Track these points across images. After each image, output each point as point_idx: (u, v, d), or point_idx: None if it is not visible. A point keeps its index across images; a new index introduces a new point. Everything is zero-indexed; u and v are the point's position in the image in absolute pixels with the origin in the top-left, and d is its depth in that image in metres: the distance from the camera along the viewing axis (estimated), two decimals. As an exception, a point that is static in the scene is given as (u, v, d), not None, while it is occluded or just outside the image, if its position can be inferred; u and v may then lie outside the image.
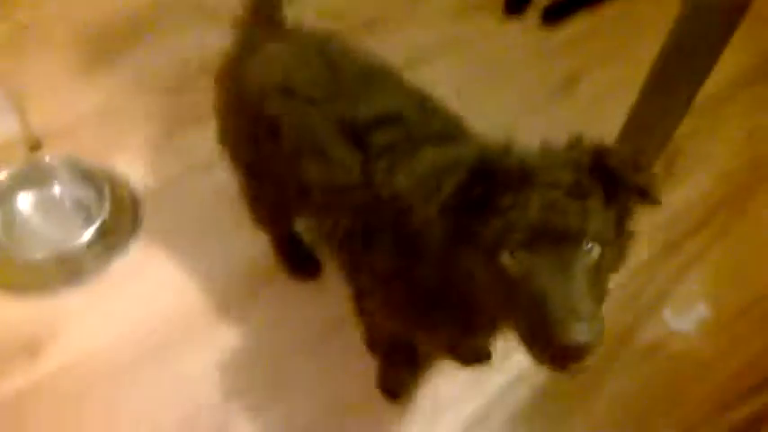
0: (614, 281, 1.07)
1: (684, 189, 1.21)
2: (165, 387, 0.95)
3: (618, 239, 0.62)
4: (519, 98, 1.34)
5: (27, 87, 1.20)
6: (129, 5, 1.45)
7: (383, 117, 0.76)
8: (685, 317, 1.04)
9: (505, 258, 0.58)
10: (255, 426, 0.92)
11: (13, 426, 0.92)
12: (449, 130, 0.78)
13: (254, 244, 1.06)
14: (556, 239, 0.57)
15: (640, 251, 1.12)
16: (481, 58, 1.42)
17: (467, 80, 1.36)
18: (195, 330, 1.00)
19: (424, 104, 0.80)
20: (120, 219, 1.10)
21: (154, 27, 1.41)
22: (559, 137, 0.64)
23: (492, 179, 0.59)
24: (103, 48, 1.37)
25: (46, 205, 1.12)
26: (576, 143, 0.63)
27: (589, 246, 0.57)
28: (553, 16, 1.50)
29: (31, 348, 0.98)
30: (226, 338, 1.00)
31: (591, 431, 0.94)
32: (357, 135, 0.75)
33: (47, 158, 1.13)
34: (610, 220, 0.60)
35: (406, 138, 0.74)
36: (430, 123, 0.77)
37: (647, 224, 1.10)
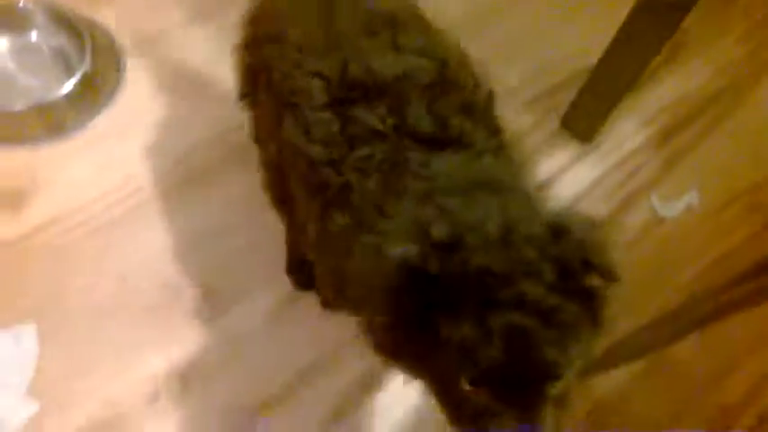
0: (604, 166, 1.10)
1: (682, 79, 1.20)
2: (151, 245, 0.94)
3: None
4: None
5: None
6: None
7: (373, 86, 0.60)
8: (673, 204, 1.05)
9: (464, 384, 0.47)
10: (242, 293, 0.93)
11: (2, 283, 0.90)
12: (460, 139, 0.59)
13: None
14: (524, 380, 0.47)
15: (633, 138, 1.12)
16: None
17: None
18: (181, 191, 0.98)
19: (445, 74, 0.62)
20: (104, 72, 1.04)
21: None
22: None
23: (432, 293, 0.47)
24: None
25: (22, 52, 1.05)
26: (560, 232, 0.49)
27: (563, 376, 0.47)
28: None
29: (13, 201, 0.94)
30: (211, 199, 0.98)
31: None
32: (340, 100, 0.61)
33: (21, 2, 1.05)
34: (590, 335, 0.49)
35: (392, 149, 0.58)
36: (433, 123, 0.59)
37: (635, 115, 1.12)
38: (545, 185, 1.06)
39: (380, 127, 0.58)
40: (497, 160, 0.60)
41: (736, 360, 0.93)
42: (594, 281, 0.49)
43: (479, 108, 0.62)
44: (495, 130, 0.62)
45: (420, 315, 0.47)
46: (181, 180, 0.99)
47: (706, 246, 1.01)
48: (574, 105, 1.08)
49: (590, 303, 0.48)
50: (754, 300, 0.67)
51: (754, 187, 1.08)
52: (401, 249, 0.47)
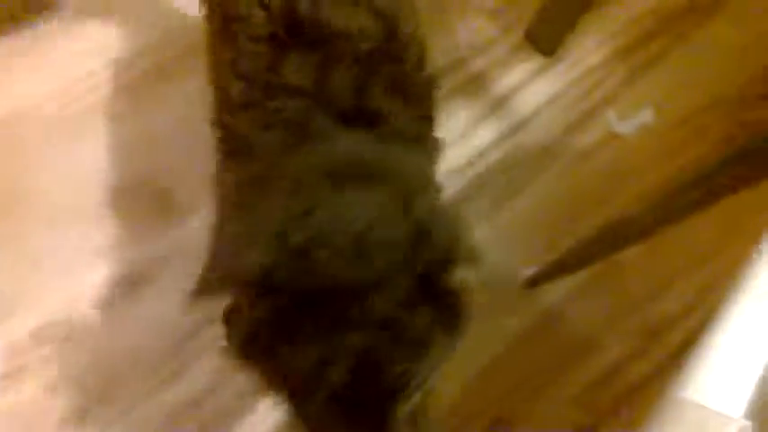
0: (564, 81, 1.10)
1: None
2: (106, 146, 0.93)
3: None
4: None
5: None
6: None
7: (315, 34, 0.55)
8: (629, 121, 1.06)
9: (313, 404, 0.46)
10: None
11: None
12: (379, 118, 0.55)
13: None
14: (371, 400, 0.45)
15: (596, 52, 1.11)
16: None
17: None
18: (137, 90, 0.96)
19: (390, 44, 0.57)
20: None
21: None
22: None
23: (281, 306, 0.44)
24: None
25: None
26: (423, 234, 0.46)
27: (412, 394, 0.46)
28: None
29: None
30: (165, 96, 0.96)
31: (516, 229, 0.98)
32: (277, 38, 0.56)
33: None
34: (446, 342, 0.48)
35: (304, 110, 0.54)
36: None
37: (600, 29, 1.11)
38: (505, 99, 1.06)
39: (302, 82, 0.54)
40: (407, 149, 0.56)
41: (678, 272, 0.97)
42: (455, 279, 0.47)
43: (414, 89, 0.58)
44: (424, 116, 0.59)
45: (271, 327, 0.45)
46: (136, 80, 0.97)
47: (656, 162, 1.03)
48: (537, 17, 1.07)
49: (448, 308, 0.47)
50: (695, 209, 0.69)
51: (712, 105, 1.09)
52: (255, 255, 0.44)
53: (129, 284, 0.86)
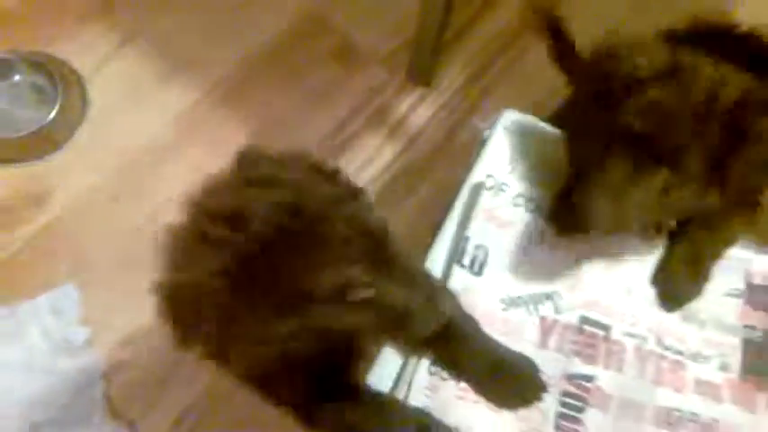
0: (438, 104, 1.52)
1: (492, 20, 1.59)
2: (144, 205, 1.36)
3: None
4: None
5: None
6: None
7: None
8: (489, 121, 1.48)
9: None
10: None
11: (42, 256, 1.33)
12: None
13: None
14: None
15: (456, 80, 1.53)
16: None
17: None
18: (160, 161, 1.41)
19: None
20: (72, 95, 1.45)
21: None
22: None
23: None
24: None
25: (11, 92, 1.45)
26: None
27: None
28: None
29: (36, 200, 1.36)
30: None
31: (418, 212, 1.41)
32: None
33: (5, 54, 1.44)
34: None
35: None
36: None
37: (460, 57, 1.51)
38: (398, 125, 1.49)
39: None
40: None
41: None
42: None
43: None
44: None
45: None
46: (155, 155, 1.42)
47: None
48: (411, 58, 1.49)
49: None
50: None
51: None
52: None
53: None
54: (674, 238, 0.81)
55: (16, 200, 1.38)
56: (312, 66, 1.53)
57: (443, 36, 1.39)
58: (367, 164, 1.45)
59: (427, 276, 0.72)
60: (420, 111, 1.50)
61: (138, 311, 1.29)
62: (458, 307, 0.74)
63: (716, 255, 0.80)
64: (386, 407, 0.72)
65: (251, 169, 0.63)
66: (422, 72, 1.50)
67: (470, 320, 0.74)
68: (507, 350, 0.74)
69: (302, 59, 1.53)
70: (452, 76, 1.53)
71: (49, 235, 1.36)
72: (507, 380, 0.73)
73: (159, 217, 1.34)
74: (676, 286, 0.80)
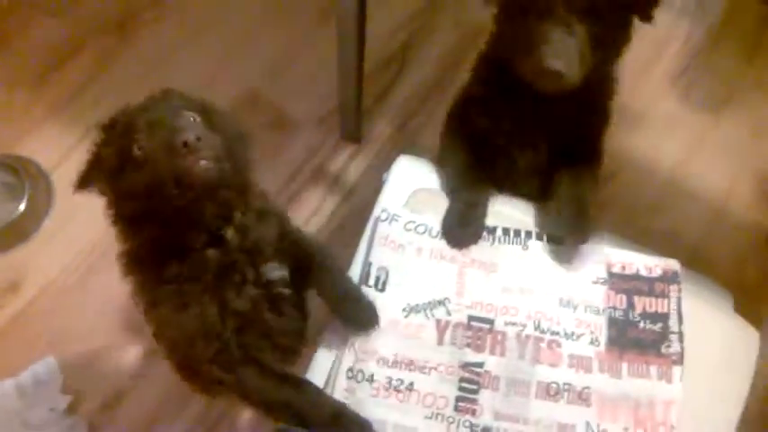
0: (368, 156, 1.71)
1: (409, 77, 1.80)
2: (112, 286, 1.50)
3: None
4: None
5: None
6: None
7: None
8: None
9: None
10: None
11: (22, 335, 1.46)
12: None
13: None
14: None
15: (384, 131, 1.72)
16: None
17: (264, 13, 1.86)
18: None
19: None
20: (38, 189, 1.60)
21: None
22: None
23: None
24: None
25: (-17, 191, 1.62)
26: None
27: None
28: None
29: (12, 288, 1.51)
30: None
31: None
32: None
33: (-28, 157, 1.61)
34: None
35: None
36: None
37: (390, 111, 1.70)
38: (336, 179, 1.67)
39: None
40: None
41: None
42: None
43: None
44: None
45: None
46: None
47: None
48: (341, 120, 1.68)
49: None
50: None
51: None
52: None
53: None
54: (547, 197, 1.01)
55: (-8, 287, 1.52)
56: (253, 137, 1.70)
57: (362, 97, 1.58)
58: (312, 216, 1.62)
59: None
60: (355, 164, 1.68)
61: (116, 376, 1.44)
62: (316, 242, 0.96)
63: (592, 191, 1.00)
64: (307, 390, 0.86)
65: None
66: (351, 131, 1.68)
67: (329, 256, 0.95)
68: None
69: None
70: (380, 130, 1.72)
71: (28, 316, 1.49)
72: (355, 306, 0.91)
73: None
74: (573, 222, 0.97)
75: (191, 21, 1.84)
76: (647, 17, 0.85)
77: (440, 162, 1.07)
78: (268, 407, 0.85)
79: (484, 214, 0.99)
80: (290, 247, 0.91)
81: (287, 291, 0.89)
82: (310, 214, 1.62)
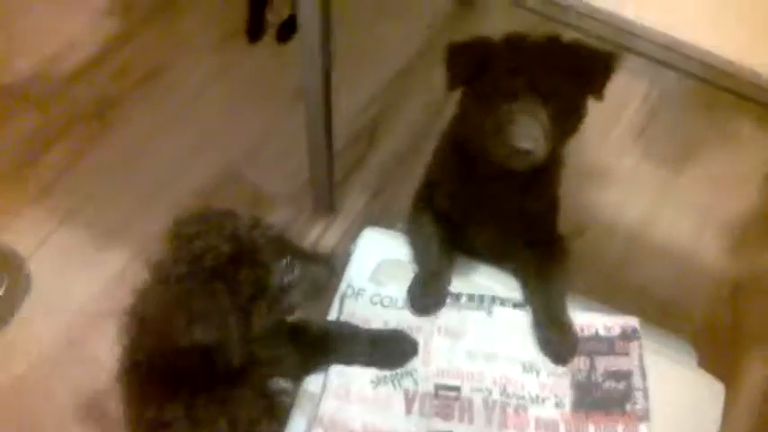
0: (342, 225, 1.74)
1: (383, 144, 1.86)
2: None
3: None
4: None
5: None
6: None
7: None
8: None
9: None
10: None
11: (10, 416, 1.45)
12: None
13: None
14: None
15: (357, 200, 1.76)
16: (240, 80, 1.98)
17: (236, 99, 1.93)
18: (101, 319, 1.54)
19: None
20: (15, 276, 1.62)
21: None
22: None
23: None
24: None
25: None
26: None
27: None
28: (285, 33, 2.03)
29: None
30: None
31: None
32: None
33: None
34: None
35: None
36: None
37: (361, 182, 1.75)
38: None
39: None
40: None
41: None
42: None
43: None
44: None
45: None
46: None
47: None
48: (312, 196, 1.73)
49: None
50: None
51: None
52: None
53: None
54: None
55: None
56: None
57: (333, 172, 1.63)
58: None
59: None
60: (329, 234, 1.72)
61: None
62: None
63: (562, 294, 1.02)
64: None
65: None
66: (324, 204, 1.73)
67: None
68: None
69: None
70: (352, 202, 1.77)
71: (12, 397, 1.48)
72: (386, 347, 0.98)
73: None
74: (557, 348, 0.99)
75: (168, 107, 1.90)
76: (600, 97, 0.90)
77: (407, 235, 1.11)
78: None
79: (447, 283, 1.03)
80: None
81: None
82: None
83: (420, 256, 1.06)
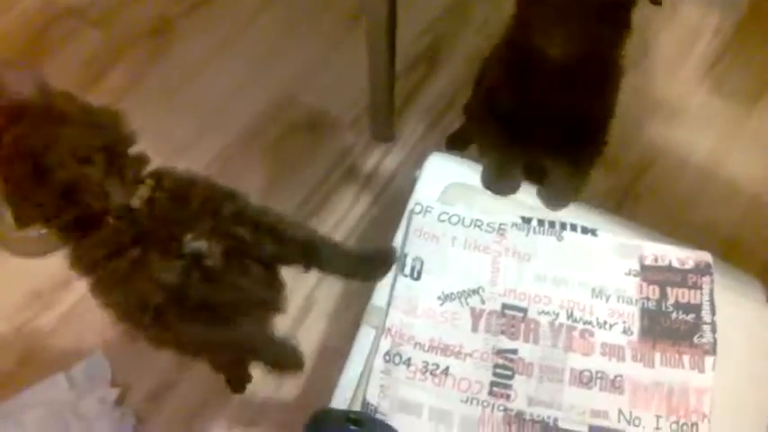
0: (401, 154, 1.74)
1: (441, 72, 1.83)
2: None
3: None
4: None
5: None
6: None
7: None
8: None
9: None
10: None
11: (73, 331, 1.50)
12: None
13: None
14: None
15: (416, 129, 1.74)
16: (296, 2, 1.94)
17: (293, 22, 1.91)
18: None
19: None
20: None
21: None
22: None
23: None
24: None
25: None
26: None
27: None
28: None
29: (63, 285, 1.52)
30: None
31: None
32: None
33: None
34: None
35: None
36: None
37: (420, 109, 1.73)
38: (370, 177, 1.70)
39: None
40: None
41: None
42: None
43: None
44: None
45: None
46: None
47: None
48: (371, 121, 1.71)
49: None
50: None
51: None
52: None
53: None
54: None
55: (44, 287, 1.57)
56: (287, 138, 1.74)
57: (394, 97, 1.61)
58: (345, 216, 1.64)
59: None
60: (386, 163, 1.71)
61: (162, 369, 1.49)
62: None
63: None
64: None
65: None
66: (383, 131, 1.71)
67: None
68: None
69: (278, 135, 1.74)
70: (411, 129, 1.74)
71: (78, 312, 1.53)
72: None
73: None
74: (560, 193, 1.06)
75: (223, 30, 1.88)
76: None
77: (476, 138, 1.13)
78: (211, 349, 0.98)
79: (518, 171, 1.07)
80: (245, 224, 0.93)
81: (212, 263, 0.90)
82: (342, 215, 1.65)
83: (488, 149, 1.08)
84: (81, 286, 1.56)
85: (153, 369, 1.47)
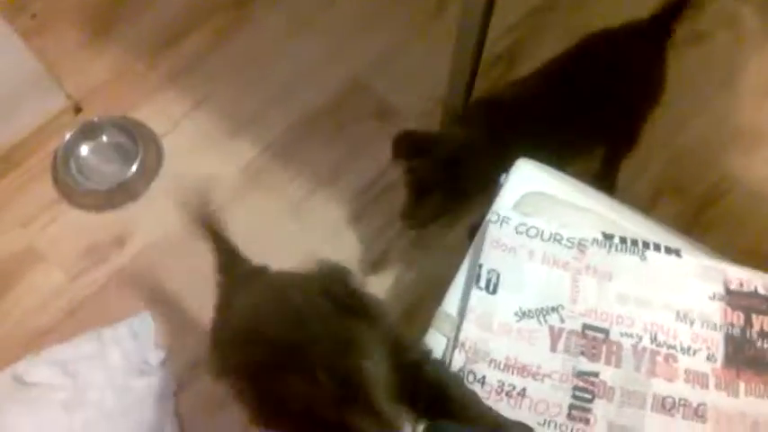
0: None
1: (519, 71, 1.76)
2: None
3: None
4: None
5: (56, 63, 1.71)
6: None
7: None
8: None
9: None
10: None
11: (123, 288, 1.54)
12: None
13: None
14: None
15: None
16: None
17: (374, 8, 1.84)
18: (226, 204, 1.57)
19: None
20: (150, 153, 1.68)
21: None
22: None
23: None
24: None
25: (99, 150, 1.70)
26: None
27: None
28: None
29: (118, 242, 1.59)
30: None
31: None
32: None
33: (95, 119, 1.70)
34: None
35: None
36: None
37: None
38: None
39: None
40: None
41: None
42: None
43: None
44: None
45: None
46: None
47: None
48: (443, 112, 1.62)
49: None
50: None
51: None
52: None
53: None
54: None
55: (101, 242, 1.61)
56: (355, 124, 1.71)
57: (472, 94, 1.56)
58: (383, 228, 1.60)
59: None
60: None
61: (205, 337, 1.50)
62: (457, 378, 0.88)
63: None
64: None
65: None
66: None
67: (470, 392, 0.87)
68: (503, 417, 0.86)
69: (346, 119, 1.72)
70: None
71: (129, 271, 1.57)
72: None
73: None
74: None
75: (305, 7, 1.85)
76: None
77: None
78: None
79: None
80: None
81: None
82: (382, 225, 1.61)
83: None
84: (135, 244, 1.64)
85: (197, 336, 1.46)
